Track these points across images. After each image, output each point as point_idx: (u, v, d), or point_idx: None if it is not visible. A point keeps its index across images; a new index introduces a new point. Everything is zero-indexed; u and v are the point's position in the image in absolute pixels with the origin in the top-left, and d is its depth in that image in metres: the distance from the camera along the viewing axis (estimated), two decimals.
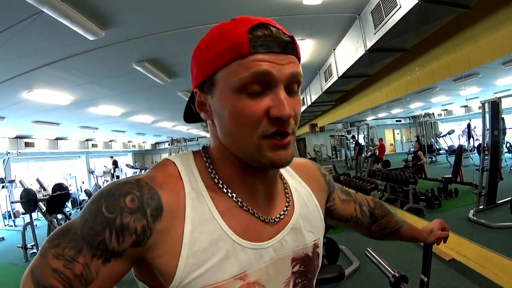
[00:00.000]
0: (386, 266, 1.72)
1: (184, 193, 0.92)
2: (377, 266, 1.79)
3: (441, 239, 1.67)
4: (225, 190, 0.97)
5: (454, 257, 5.43)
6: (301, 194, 1.17)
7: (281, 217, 1.04)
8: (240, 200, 0.97)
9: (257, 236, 0.97)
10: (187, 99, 1.14)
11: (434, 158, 12.06)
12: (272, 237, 1.00)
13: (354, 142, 16.49)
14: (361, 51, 5.91)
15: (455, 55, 5.31)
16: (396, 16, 4.52)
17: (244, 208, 0.97)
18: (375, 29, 5.16)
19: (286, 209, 1.07)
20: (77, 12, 4.45)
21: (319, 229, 1.17)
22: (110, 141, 24.33)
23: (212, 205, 0.93)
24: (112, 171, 20.94)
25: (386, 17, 4.75)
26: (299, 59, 0.93)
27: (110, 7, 4.64)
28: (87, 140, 21.32)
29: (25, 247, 8.58)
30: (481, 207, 6.63)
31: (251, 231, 0.96)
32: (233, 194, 0.97)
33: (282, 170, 1.17)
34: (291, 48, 0.89)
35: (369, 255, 1.87)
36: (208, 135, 1.09)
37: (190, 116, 1.14)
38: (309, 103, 11.87)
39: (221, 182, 0.98)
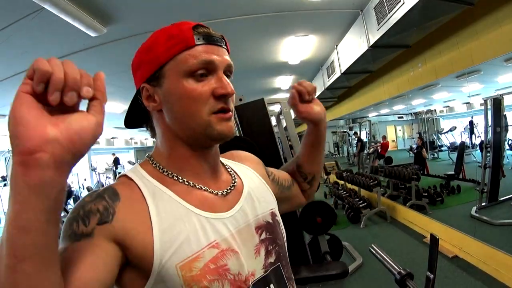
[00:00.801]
0: (391, 263, 1.70)
1: (139, 189, 1.01)
2: (382, 262, 1.78)
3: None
4: (175, 178, 1.08)
5: (457, 254, 5.43)
6: (246, 173, 1.31)
7: (231, 188, 1.17)
8: (191, 182, 1.09)
9: (217, 207, 1.08)
10: None
11: (436, 155, 12.03)
12: (230, 209, 1.11)
13: (356, 139, 16.47)
14: (364, 47, 5.91)
15: (457, 51, 5.30)
16: (400, 12, 4.53)
17: (197, 187, 1.09)
18: (378, 25, 5.16)
19: (234, 182, 1.21)
20: (79, 9, 4.47)
21: (271, 200, 1.30)
22: (112, 138, 24.29)
23: (168, 190, 1.03)
24: (114, 168, 21.00)
25: (389, 13, 4.76)
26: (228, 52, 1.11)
27: (112, 3, 4.66)
28: None
29: None
30: (483, 204, 6.63)
31: (209, 204, 1.07)
32: (183, 179, 1.09)
33: (222, 159, 1.29)
34: (224, 43, 1.09)
35: (373, 251, 1.86)
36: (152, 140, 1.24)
37: (132, 121, 1.27)
38: None
39: (170, 172, 1.09)
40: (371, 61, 6.97)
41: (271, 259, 1.15)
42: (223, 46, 1.08)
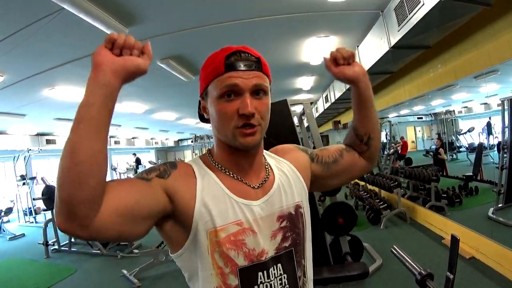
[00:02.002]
0: (412, 264, 1.75)
1: (193, 170, 1.34)
2: (403, 263, 1.82)
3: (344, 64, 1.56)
4: (221, 169, 1.37)
5: (474, 255, 5.43)
6: (282, 168, 1.52)
7: (263, 183, 1.40)
8: (231, 172, 1.37)
9: (248, 196, 1.34)
10: None
11: (455, 156, 11.94)
12: (260, 198, 1.36)
13: None
14: (385, 48, 5.91)
15: (476, 52, 5.31)
16: (420, 13, 4.53)
17: (235, 177, 1.36)
18: (398, 26, 5.16)
19: (266, 178, 1.43)
20: (100, 9, 4.51)
21: (300, 194, 1.49)
22: (133, 138, 24.45)
23: (214, 176, 1.33)
24: (134, 168, 21.26)
25: (409, 14, 4.76)
26: (266, 74, 1.32)
27: (134, 4, 4.70)
28: (110, 137, 20.91)
29: (46, 244, 8.65)
30: (500, 205, 6.60)
31: (243, 192, 1.34)
32: (226, 170, 1.37)
33: (266, 156, 1.54)
34: (256, 66, 1.28)
35: (395, 252, 1.91)
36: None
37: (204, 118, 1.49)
38: (333, 100, 11.91)
39: (218, 164, 1.38)
40: (392, 62, 6.95)
41: (286, 244, 1.38)
42: (256, 69, 1.27)
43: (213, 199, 1.27)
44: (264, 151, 1.51)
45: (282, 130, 4.15)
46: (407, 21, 4.89)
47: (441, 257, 5.40)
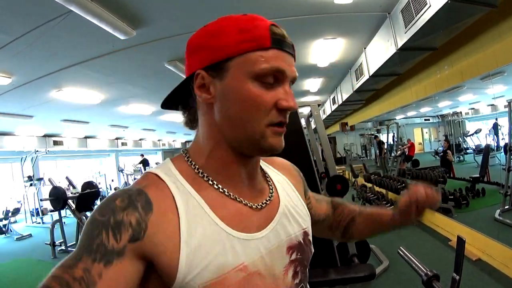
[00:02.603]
0: (419, 265, 1.75)
1: (170, 191, 0.96)
2: (409, 264, 1.82)
3: (412, 209, 1.35)
4: (210, 182, 1.02)
5: (480, 257, 5.42)
6: (282, 184, 1.23)
7: (267, 202, 1.10)
8: (226, 189, 1.02)
9: (249, 225, 1.02)
10: None
11: (462, 158, 11.93)
12: (264, 227, 1.05)
13: (377, 142, 16.46)
14: (392, 50, 5.91)
15: (482, 53, 5.31)
16: (426, 15, 4.54)
17: (231, 197, 1.03)
18: (405, 28, 5.16)
19: (271, 195, 1.14)
20: (107, 11, 4.52)
21: (306, 218, 1.22)
22: (140, 139, 24.41)
23: (200, 198, 0.97)
24: (141, 169, 20.70)
25: (416, 15, 4.77)
26: None
27: (141, 6, 4.72)
28: (116, 138, 21.34)
29: (53, 244, 8.68)
30: (506, 207, 6.60)
31: (242, 220, 1.01)
32: (218, 185, 1.02)
33: (262, 165, 1.24)
34: (294, 52, 1.03)
35: (401, 253, 1.91)
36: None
37: (171, 103, 1.18)
38: (340, 102, 11.85)
39: (205, 175, 1.03)
40: (399, 63, 6.94)
41: (297, 280, 1.11)
42: (294, 55, 1.03)
43: (205, 242, 0.92)
44: None
45: (289, 133, 4.15)
46: (414, 23, 4.89)
47: (447, 259, 5.36)
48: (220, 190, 1.02)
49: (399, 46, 5.62)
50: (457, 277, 1.52)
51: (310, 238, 1.21)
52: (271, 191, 1.15)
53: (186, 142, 31.47)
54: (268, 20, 0.99)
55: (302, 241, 1.15)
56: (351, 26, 6.30)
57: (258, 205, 1.07)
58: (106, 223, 0.86)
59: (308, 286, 1.19)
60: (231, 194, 1.03)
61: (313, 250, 1.22)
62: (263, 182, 1.17)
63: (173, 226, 0.91)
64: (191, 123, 1.16)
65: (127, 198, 0.91)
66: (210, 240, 0.92)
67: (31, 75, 6.92)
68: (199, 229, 0.92)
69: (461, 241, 1.54)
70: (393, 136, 15.24)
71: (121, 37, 5.19)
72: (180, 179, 1.00)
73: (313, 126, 5.27)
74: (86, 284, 0.80)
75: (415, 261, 1.79)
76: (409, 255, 1.86)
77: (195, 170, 1.03)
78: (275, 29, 0.96)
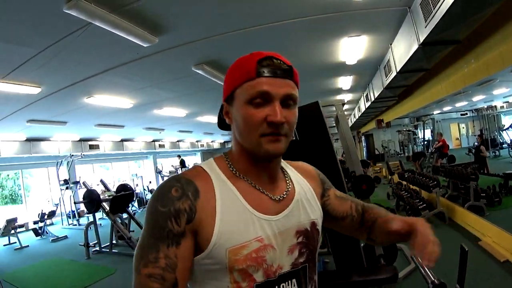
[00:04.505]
0: (428, 272, 1.73)
1: (212, 182, 1.27)
2: (419, 270, 1.82)
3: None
4: (241, 177, 1.33)
5: (508, 258, 5.23)
6: (300, 183, 1.49)
7: (284, 196, 1.38)
8: (253, 182, 1.33)
9: (268, 210, 1.30)
10: None
11: (497, 153, 11.65)
12: (280, 213, 1.33)
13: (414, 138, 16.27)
14: (415, 45, 5.82)
15: (507, 45, 5.15)
16: (443, 6, 4.44)
17: (256, 187, 1.32)
18: (425, 21, 5.07)
19: (287, 191, 1.41)
20: (128, 22, 4.66)
21: (316, 212, 1.47)
22: (178, 141, 25.00)
23: (233, 188, 1.29)
24: (179, 171, 20.99)
25: (434, 8, 4.67)
26: (296, 83, 1.27)
27: (161, 14, 4.82)
28: (153, 140, 21.98)
29: (87, 245, 8.92)
30: None
31: (263, 206, 1.30)
32: (247, 179, 1.33)
33: (285, 167, 1.52)
34: (288, 74, 1.24)
35: (414, 259, 1.90)
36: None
37: (223, 124, 1.46)
38: (373, 99, 11.85)
39: (238, 172, 1.33)
40: (424, 59, 6.82)
41: (301, 259, 1.35)
42: (287, 77, 1.24)
43: (233, 216, 1.23)
44: (282, 160, 1.50)
45: (313, 133, 4.15)
46: (433, 16, 4.78)
47: (473, 260, 5.21)
48: (249, 182, 1.33)
49: (421, 41, 5.53)
50: None
51: (319, 228, 1.46)
52: (288, 187, 1.42)
53: (224, 142, 32.29)
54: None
55: (309, 229, 1.40)
56: (373, 23, 6.26)
57: (277, 197, 1.35)
58: (169, 213, 1.17)
59: (315, 269, 1.44)
60: (256, 186, 1.33)
61: (320, 238, 1.47)
62: (282, 181, 1.44)
63: (212, 207, 1.22)
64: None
65: (181, 188, 1.22)
66: (237, 215, 1.24)
67: (59, 84, 7.23)
68: (230, 207, 1.24)
69: (464, 252, 1.52)
70: (430, 132, 15.02)
71: (144, 44, 5.34)
72: (219, 173, 1.32)
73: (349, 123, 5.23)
74: (172, 268, 1.13)
75: (425, 268, 1.78)
76: (420, 261, 1.83)
77: (230, 168, 1.35)
78: (262, 62, 1.22)
